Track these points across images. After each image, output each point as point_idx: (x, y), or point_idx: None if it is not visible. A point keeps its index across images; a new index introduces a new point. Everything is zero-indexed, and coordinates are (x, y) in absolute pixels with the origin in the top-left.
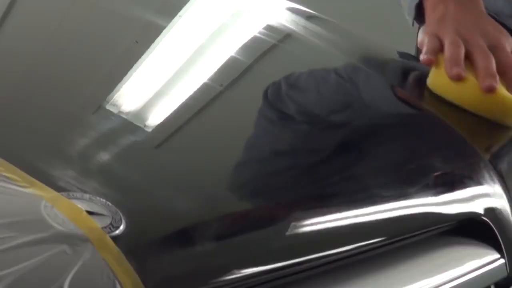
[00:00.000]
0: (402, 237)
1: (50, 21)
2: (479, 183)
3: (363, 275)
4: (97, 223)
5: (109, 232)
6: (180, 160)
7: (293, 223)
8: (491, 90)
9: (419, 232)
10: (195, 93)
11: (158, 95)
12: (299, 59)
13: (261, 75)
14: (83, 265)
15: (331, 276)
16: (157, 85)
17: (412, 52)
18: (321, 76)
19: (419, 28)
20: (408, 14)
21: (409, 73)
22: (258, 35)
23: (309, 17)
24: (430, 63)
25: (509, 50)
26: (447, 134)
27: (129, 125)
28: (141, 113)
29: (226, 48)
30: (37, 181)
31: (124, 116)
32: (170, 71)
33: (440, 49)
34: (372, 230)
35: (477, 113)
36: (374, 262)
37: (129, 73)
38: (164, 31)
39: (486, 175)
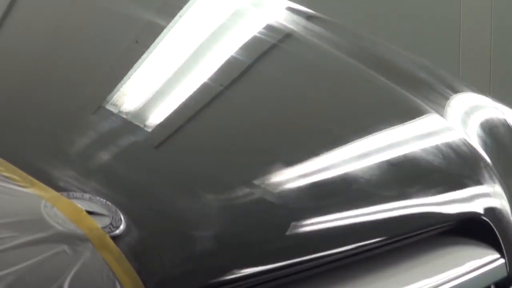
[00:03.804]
0: (402, 237)
1: (51, 21)
2: (479, 183)
3: (363, 275)
4: (97, 223)
5: (109, 232)
6: (180, 161)
7: (293, 223)
8: None
9: (419, 232)
10: (195, 93)
11: (158, 95)
12: (299, 59)
13: (261, 75)
14: (83, 264)
15: (331, 276)
16: (157, 85)
17: (412, 51)
18: None
19: None
20: None
21: (411, 71)
22: (258, 35)
23: (309, 17)
24: None
25: None
26: (447, 134)
27: (129, 125)
28: (141, 113)
29: (226, 48)
30: (37, 181)
31: (124, 116)
32: (170, 71)
33: None
34: (372, 230)
35: None
36: (374, 262)
37: (129, 73)
38: (164, 31)
39: (486, 175)
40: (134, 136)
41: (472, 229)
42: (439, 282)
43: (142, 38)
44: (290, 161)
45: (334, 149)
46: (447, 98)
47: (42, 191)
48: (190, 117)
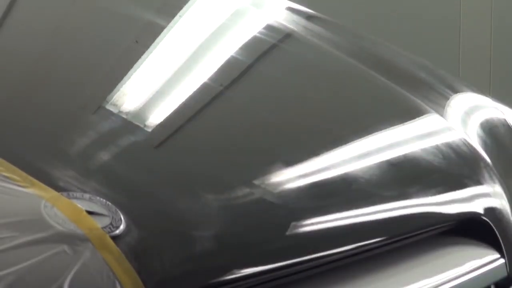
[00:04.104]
0: (402, 237)
1: (50, 21)
2: (479, 183)
3: (363, 275)
4: (97, 223)
5: (109, 232)
6: (180, 161)
7: (293, 223)
8: None
9: (419, 232)
10: (195, 93)
11: (158, 95)
12: (299, 59)
13: (261, 75)
14: (83, 264)
15: (331, 276)
16: (157, 85)
17: (412, 51)
18: None
19: None
20: None
21: (411, 71)
22: (258, 35)
23: (309, 17)
24: None
25: None
26: (447, 134)
27: (129, 125)
28: (141, 113)
29: (226, 48)
30: (37, 181)
31: (124, 116)
32: (170, 71)
33: None
34: (372, 230)
35: None
36: (374, 262)
37: (129, 73)
38: (164, 31)
39: (486, 175)
40: (134, 136)
41: (472, 229)
42: (439, 282)
43: (142, 38)
44: (290, 161)
45: (334, 149)
46: (447, 98)
47: (42, 191)
48: (190, 117)
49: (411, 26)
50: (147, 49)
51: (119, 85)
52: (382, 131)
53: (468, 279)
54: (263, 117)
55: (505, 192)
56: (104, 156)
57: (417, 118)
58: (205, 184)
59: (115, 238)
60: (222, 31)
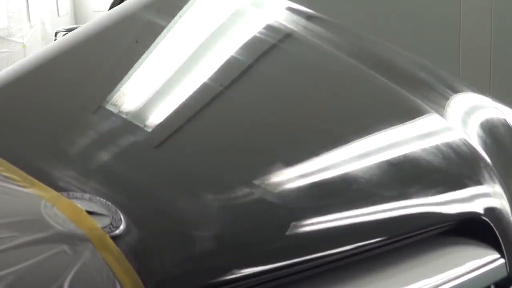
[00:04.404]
0: (402, 237)
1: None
2: (479, 183)
3: (363, 275)
4: (97, 223)
5: (109, 232)
6: (180, 161)
7: (293, 223)
8: None
9: (419, 232)
10: (195, 93)
11: (158, 95)
12: (299, 59)
13: (261, 75)
14: (83, 264)
15: (331, 276)
16: (157, 85)
17: (412, 51)
18: None
19: None
20: None
21: (410, 72)
22: (258, 35)
23: (309, 17)
24: None
25: None
26: (447, 134)
27: (129, 125)
28: (141, 113)
29: (226, 48)
30: (37, 181)
31: (124, 116)
32: (170, 71)
33: None
34: (372, 230)
35: None
36: (374, 262)
37: (129, 73)
38: (164, 31)
39: (486, 175)
40: (134, 136)
41: (472, 229)
42: (439, 282)
43: (142, 38)
44: (290, 161)
45: (334, 149)
46: (447, 98)
47: (42, 191)
48: (190, 117)
49: (411, 26)
50: (147, 49)
51: (119, 85)
52: (382, 131)
53: (468, 279)
54: (263, 117)
55: (505, 192)
56: (104, 156)
57: (417, 118)
58: (205, 184)
59: (115, 238)
60: (222, 31)
